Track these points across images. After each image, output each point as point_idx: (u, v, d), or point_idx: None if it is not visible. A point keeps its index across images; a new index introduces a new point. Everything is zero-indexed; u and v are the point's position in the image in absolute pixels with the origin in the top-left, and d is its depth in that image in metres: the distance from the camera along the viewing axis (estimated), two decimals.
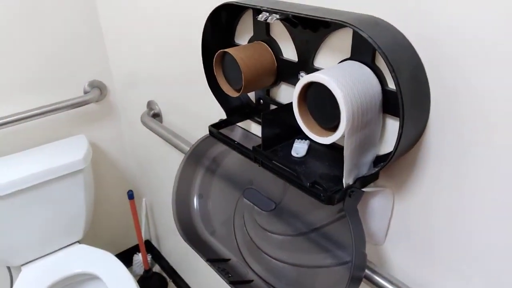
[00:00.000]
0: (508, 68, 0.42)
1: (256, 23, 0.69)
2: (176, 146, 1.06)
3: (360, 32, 0.46)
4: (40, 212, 1.28)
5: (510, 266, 0.50)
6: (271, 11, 0.59)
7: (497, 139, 0.46)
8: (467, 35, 0.44)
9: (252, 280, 0.74)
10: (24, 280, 1.27)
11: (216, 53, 0.67)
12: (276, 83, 0.71)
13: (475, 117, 0.47)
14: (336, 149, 0.64)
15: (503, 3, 0.40)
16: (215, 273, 1.29)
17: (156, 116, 1.24)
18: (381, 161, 0.58)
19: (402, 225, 0.61)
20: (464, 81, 0.46)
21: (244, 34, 0.74)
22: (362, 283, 0.59)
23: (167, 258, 1.78)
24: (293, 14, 0.55)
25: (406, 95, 0.46)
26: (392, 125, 0.56)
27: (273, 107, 0.74)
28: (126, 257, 1.79)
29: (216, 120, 0.77)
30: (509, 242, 0.49)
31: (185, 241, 0.81)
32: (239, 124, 0.80)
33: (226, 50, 0.65)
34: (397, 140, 0.49)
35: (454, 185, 0.52)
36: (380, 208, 0.62)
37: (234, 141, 0.70)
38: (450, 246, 0.56)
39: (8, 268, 1.42)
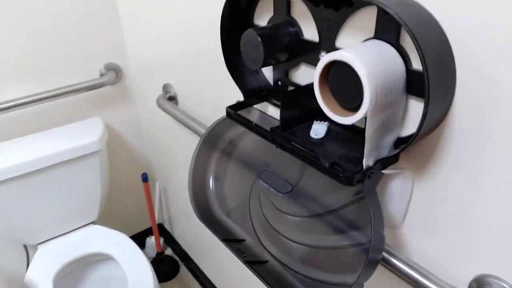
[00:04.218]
0: None
1: (276, 2, 0.68)
2: (191, 129, 1.06)
3: (386, 9, 0.46)
4: (56, 193, 1.30)
5: None
6: None
7: None
8: (497, 15, 0.43)
9: (267, 261, 0.74)
10: (40, 259, 1.29)
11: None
12: (295, 64, 0.70)
13: (502, 101, 0.46)
14: (355, 131, 0.63)
15: None
16: (227, 257, 1.30)
17: (172, 99, 1.24)
18: (402, 143, 0.57)
19: (421, 208, 0.61)
20: (493, 64, 0.45)
21: (263, 14, 0.73)
22: (378, 266, 0.59)
23: (179, 242, 1.79)
24: None
25: (432, 75, 0.45)
26: (415, 106, 0.55)
27: (291, 89, 0.74)
28: (139, 239, 1.80)
29: (232, 104, 0.76)
30: None
31: (201, 221, 0.82)
32: (256, 106, 0.79)
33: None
34: (420, 121, 0.48)
35: (476, 169, 0.51)
36: (399, 190, 0.61)
37: (252, 122, 0.69)
38: (470, 231, 0.55)
39: (25, 246, 1.45)
